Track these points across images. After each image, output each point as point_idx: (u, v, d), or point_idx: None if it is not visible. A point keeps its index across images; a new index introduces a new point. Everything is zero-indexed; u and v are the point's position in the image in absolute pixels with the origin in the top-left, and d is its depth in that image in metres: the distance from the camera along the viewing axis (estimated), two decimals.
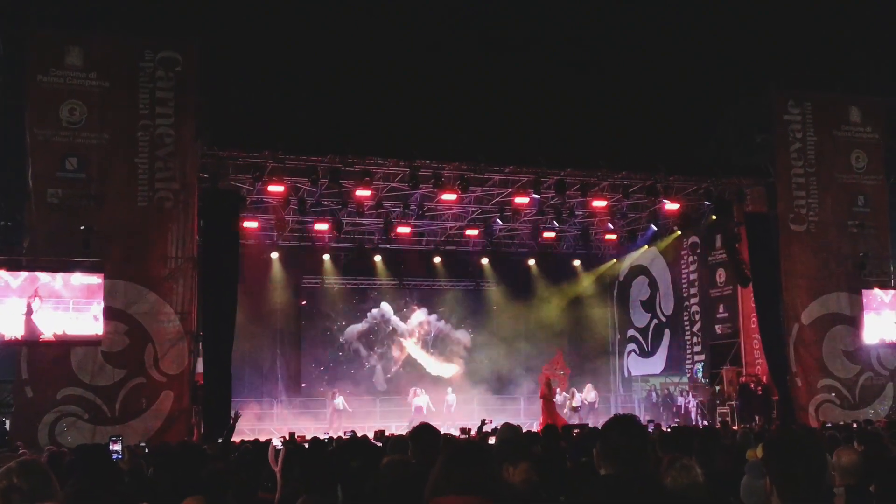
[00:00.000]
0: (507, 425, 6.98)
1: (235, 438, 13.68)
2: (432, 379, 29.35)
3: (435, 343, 30.27)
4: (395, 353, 29.75)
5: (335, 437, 14.57)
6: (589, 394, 27.12)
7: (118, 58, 18.85)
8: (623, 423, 3.73)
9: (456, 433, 16.98)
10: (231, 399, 18.52)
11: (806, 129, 23.76)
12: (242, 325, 22.10)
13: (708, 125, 23.46)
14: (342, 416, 25.98)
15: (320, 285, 29.01)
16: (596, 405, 27.27)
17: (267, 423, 26.20)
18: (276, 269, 27.74)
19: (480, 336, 30.29)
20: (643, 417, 28.71)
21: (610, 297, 31.86)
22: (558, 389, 26.47)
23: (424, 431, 5.28)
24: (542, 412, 24.13)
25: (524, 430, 8.11)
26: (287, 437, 15.96)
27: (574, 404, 27.00)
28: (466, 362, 30.16)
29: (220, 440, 11.41)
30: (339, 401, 26.11)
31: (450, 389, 27.85)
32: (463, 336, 30.32)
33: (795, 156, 23.64)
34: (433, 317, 30.30)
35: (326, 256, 28.20)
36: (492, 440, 10.71)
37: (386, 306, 29.64)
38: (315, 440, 11.76)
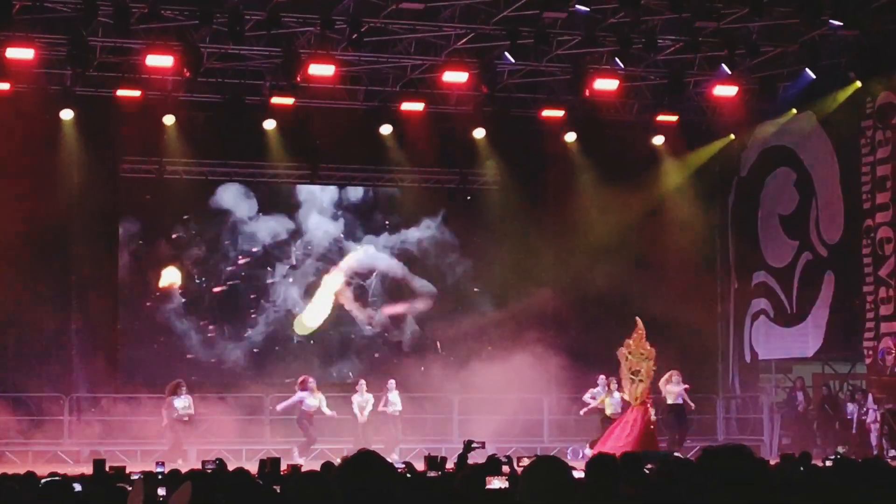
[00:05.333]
0: (543, 461, 6.48)
1: None
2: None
3: (382, 290, 31.16)
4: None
5: (182, 467, 14.61)
6: (672, 388, 27.32)
7: None
8: (734, 458, 4.04)
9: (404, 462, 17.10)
10: None
11: None
12: (3, 253, 22.05)
13: None
14: (188, 428, 26.62)
15: (156, 175, 29.45)
16: (685, 413, 27.58)
17: (49, 438, 26.56)
18: (71, 140, 27.84)
19: (465, 280, 31.11)
20: (773, 443, 29.20)
21: (722, 208, 32.21)
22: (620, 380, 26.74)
23: (368, 464, 5.40)
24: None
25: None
26: (89, 471, 16.05)
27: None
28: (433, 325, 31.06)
29: None
30: (183, 401, 26.56)
31: (392, 381, 28.55)
32: (423, 285, 31.21)
33: None
34: (379, 241, 30.89)
35: (169, 119, 28.34)
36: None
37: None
38: (148, 478, 11.78)
